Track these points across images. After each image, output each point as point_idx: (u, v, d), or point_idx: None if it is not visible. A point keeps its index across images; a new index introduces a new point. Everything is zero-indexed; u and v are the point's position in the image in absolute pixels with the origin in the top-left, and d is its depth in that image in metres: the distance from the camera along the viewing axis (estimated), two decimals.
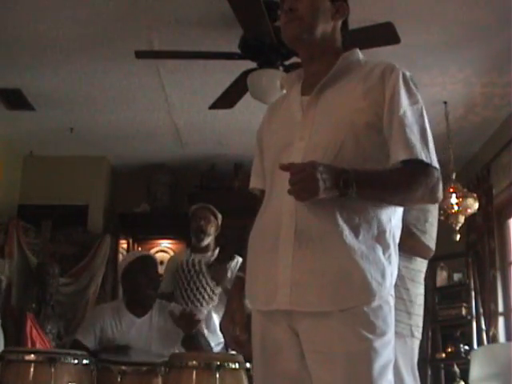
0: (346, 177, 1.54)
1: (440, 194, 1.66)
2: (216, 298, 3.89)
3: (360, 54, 1.82)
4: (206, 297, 3.87)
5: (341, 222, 1.59)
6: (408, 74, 1.71)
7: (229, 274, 3.84)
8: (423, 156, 1.61)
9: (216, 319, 3.83)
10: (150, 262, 3.59)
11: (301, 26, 1.75)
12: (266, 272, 1.67)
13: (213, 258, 3.99)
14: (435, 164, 1.63)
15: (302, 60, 1.86)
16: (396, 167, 1.63)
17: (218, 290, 3.90)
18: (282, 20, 1.80)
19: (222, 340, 3.74)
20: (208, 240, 4.02)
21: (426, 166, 1.62)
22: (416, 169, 1.62)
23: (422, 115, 1.68)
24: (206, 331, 3.73)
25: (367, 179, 1.59)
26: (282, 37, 1.82)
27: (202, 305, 3.85)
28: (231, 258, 3.87)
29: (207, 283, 3.88)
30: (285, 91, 1.98)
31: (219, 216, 4.09)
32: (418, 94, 1.70)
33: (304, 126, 1.71)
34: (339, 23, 1.81)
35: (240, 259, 3.89)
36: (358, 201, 1.59)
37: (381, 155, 1.66)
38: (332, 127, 1.66)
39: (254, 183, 1.94)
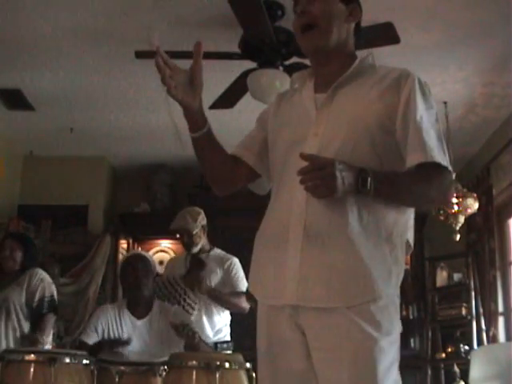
0: (365, 176, 1.55)
1: (451, 197, 1.70)
2: (200, 302, 3.75)
3: (374, 59, 1.83)
4: (190, 304, 3.74)
5: (350, 219, 1.61)
6: (423, 80, 1.74)
7: (209, 280, 3.74)
8: (440, 159, 1.63)
9: (206, 323, 3.76)
10: (133, 260, 3.56)
11: (316, 35, 1.75)
12: (275, 266, 1.68)
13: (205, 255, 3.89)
14: (450, 168, 1.66)
15: (315, 63, 1.85)
16: (413, 169, 1.65)
17: (199, 296, 3.75)
18: (295, 23, 1.80)
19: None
20: (197, 248, 3.88)
21: (442, 169, 1.65)
22: (433, 172, 1.64)
23: (437, 120, 1.72)
24: None
25: (384, 180, 1.61)
26: (300, 46, 1.81)
27: (188, 311, 3.72)
28: (203, 266, 3.74)
29: (186, 294, 3.75)
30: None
31: (199, 217, 3.89)
32: (432, 100, 1.74)
33: (318, 122, 1.71)
34: (352, 26, 1.82)
35: (235, 259, 3.85)
36: (368, 200, 1.60)
37: (392, 157, 1.68)
38: (347, 126, 1.68)
39: (240, 152, 1.90)
